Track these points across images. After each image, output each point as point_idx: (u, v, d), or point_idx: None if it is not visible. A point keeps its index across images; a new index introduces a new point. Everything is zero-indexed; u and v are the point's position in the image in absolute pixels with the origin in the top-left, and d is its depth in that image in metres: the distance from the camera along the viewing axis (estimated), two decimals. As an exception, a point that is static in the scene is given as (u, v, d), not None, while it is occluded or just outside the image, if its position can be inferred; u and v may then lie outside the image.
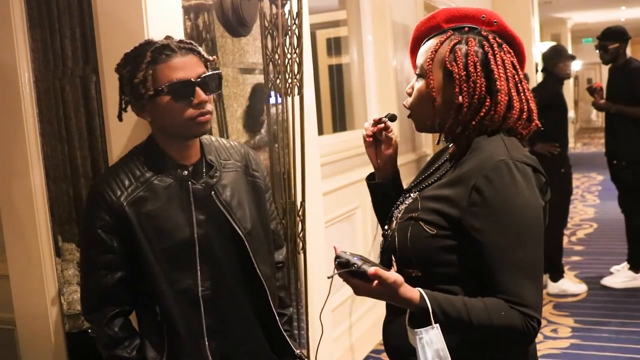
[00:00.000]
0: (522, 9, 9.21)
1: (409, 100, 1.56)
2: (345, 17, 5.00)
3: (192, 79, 1.70)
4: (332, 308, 3.37)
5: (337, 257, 1.32)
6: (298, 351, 1.99)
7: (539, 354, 3.96)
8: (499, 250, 1.35)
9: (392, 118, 1.68)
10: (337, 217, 3.76)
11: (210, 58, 1.79)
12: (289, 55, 2.57)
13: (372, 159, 1.73)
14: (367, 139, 1.69)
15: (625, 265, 5.24)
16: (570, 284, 5.13)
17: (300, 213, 2.69)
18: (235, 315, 1.85)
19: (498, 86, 1.43)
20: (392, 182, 1.73)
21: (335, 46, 5.76)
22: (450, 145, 1.61)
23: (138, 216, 1.72)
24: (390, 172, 1.73)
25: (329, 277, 1.32)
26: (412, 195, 1.56)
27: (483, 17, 1.50)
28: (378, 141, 1.70)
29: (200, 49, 1.77)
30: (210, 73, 1.75)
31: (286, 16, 2.54)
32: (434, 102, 1.48)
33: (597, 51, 5.23)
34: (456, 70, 1.44)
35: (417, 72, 1.55)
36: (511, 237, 1.36)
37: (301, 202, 2.70)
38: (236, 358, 1.85)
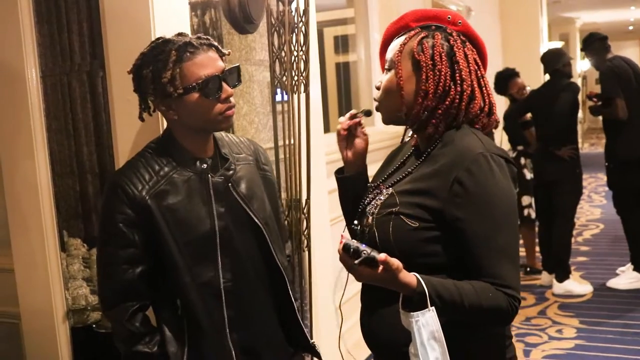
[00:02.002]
0: (530, 9, 9.19)
1: (378, 93, 1.64)
2: (353, 15, 5.00)
3: (218, 74, 1.72)
4: (336, 306, 3.37)
5: (347, 245, 1.38)
6: (312, 341, 2.01)
7: (543, 354, 3.97)
8: (481, 237, 1.44)
9: (368, 113, 1.76)
10: (342, 215, 3.76)
11: (226, 52, 1.81)
12: (295, 53, 2.57)
13: (342, 152, 1.78)
14: (342, 132, 1.75)
15: (630, 266, 5.23)
16: (576, 285, 5.12)
17: (305, 211, 2.69)
18: (255, 306, 1.86)
19: (463, 75, 1.53)
20: (361, 176, 1.79)
21: (343, 44, 5.76)
22: (407, 141, 1.72)
23: (160, 209, 1.72)
24: (360, 166, 1.78)
25: (357, 263, 1.37)
26: (384, 191, 1.61)
27: (449, 17, 1.61)
28: (352, 135, 1.76)
29: (216, 43, 1.78)
30: (231, 66, 1.78)
31: (293, 13, 2.54)
32: (401, 90, 1.56)
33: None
34: (423, 59, 1.54)
35: (386, 66, 1.63)
36: (492, 224, 1.45)
37: (306, 200, 2.70)
38: (256, 349, 1.86)
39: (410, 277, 1.39)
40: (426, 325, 1.36)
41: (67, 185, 2.78)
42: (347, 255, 1.38)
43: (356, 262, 1.36)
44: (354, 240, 1.40)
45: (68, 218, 2.74)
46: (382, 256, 1.35)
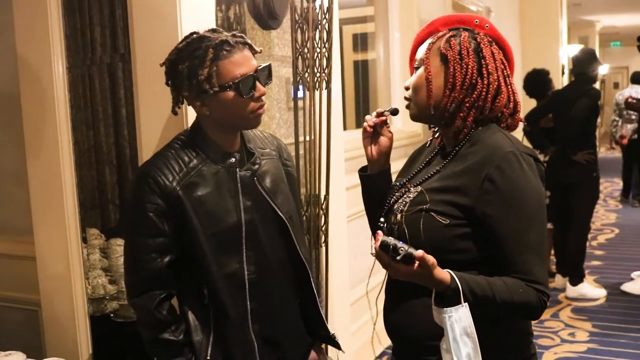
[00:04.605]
0: (550, 11, 9.12)
1: (407, 92, 1.67)
2: (373, 14, 5.00)
3: (253, 74, 1.75)
4: (351, 302, 3.38)
5: (385, 242, 1.39)
6: (333, 332, 2.04)
7: (556, 356, 3.97)
8: (512, 234, 1.48)
9: (394, 112, 1.77)
10: (358, 212, 3.77)
11: (259, 50, 1.83)
12: (318, 50, 2.58)
13: (367, 150, 1.80)
14: (368, 129, 1.77)
15: (645, 271, 5.21)
16: (589, 288, 5.10)
17: (323, 206, 2.70)
18: (277, 298, 1.89)
19: (490, 69, 1.57)
20: (385, 175, 1.81)
21: (362, 42, 5.75)
22: (429, 144, 1.76)
23: (190, 200, 1.75)
24: (383, 165, 1.80)
25: (397, 260, 1.38)
26: (411, 189, 1.64)
27: (476, 21, 1.66)
28: (377, 133, 1.78)
29: (250, 41, 1.80)
30: (263, 65, 1.80)
31: (317, 11, 2.55)
32: (429, 84, 1.59)
33: None
34: (450, 54, 1.58)
35: (415, 65, 1.67)
36: (522, 221, 1.49)
37: (325, 196, 2.71)
38: (277, 340, 1.89)
39: (444, 274, 1.42)
40: (459, 320, 1.40)
41: (87, 175, 2.81)
42: (384, 252, 1.39)
43: (397, 258, 1.38)
44: (390, 237, 1.41)
45: (87, 208, 2.77)
46: (420, 253, 1.38)
